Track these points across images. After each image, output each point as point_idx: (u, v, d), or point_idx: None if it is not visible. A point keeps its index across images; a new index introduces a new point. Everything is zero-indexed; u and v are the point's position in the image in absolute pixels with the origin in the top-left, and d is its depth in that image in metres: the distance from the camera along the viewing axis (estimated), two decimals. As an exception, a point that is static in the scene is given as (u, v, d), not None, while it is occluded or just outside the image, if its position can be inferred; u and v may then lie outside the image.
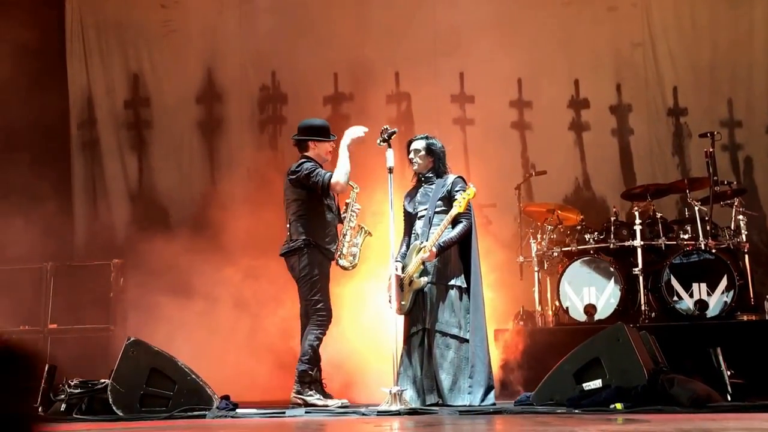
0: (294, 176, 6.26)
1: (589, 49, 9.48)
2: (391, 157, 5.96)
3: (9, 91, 8.67)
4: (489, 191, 8.03)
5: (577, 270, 7.60)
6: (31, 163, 8.26)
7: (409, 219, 6.38)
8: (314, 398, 6.07)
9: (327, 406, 6.00)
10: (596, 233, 7.78)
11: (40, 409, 5.94)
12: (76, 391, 5.88)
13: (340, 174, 6.19)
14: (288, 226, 6.30)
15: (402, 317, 6.20)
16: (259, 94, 9.79)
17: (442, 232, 6.03)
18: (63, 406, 5.84)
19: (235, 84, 9.78)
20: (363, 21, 8.99)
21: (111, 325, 6.97)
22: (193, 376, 5.81)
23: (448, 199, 6.16)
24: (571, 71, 9.48)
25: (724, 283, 7.17)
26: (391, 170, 5.94)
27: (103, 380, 5.89)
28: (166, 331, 7.53)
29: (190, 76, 9.72)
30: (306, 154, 6.39)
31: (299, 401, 6.07)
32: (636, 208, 7.69)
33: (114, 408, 5.69)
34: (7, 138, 8.08)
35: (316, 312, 6.15)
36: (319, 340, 6.17)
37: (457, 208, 5.99)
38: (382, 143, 6.03)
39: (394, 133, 6.04)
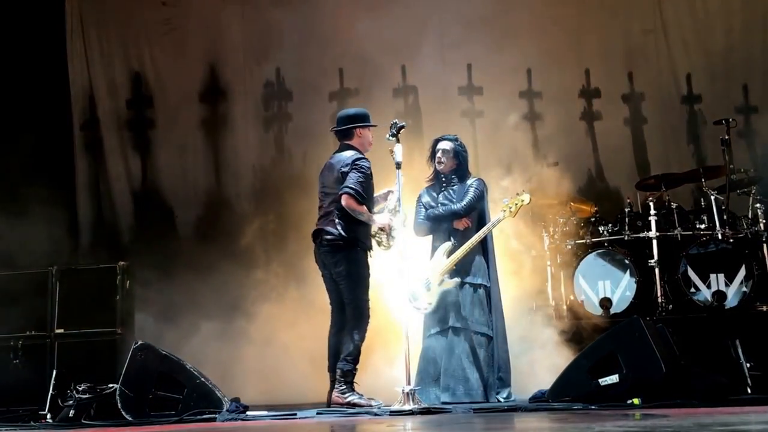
0: (346, 169, 6.02)
1: (599, 37, 9.36)
2: (399, 152, 5.81)
3: (10, 93, 8.60)
4: (499, 184, 7.91)
5: (592, 263, 7.51)
6: (33, 165, 8.20)
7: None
8: (357, 398, 5.94)
9: (371, 406, 5.88)
10: (610, 225, 7.68)
11: (48, 416, 5.91)
12: (85, 396, 5.85)
13: (360, 208, 5.95)
14: (333, 219, 6.03)
15: (418, 316, 6.19)
16: (263, 91, 9.68)
17: (481, 237, 6.16)
18: (71, 412, 5.80)
19: (239, 81, 9.66)
20: (367, 14, 8.86)
21: (118, 328, 6.91)
22: (203, 379, 5.76)
23: None
24: (581, 60, 9.36)
25: (742, 273, 7.06)
26: (399, 166, 5.80)
27: (111, 385, 5.84)
28: (174, 334, 7.47)
29: (192, 74, 9.61)
30: (349, 142, 6.21)
31: (342, 401, 5.93)
32: (650, 198, 7.56)
33: (123, 413, 5.64)
34: (9, 140, 8.03)
35: (360, 311, 6.03)
36: (363, 339, 6.06)
37: (507, 214, 6.17)
38: (391, 138, 5.88)
39: (402, 127, 5.90)
